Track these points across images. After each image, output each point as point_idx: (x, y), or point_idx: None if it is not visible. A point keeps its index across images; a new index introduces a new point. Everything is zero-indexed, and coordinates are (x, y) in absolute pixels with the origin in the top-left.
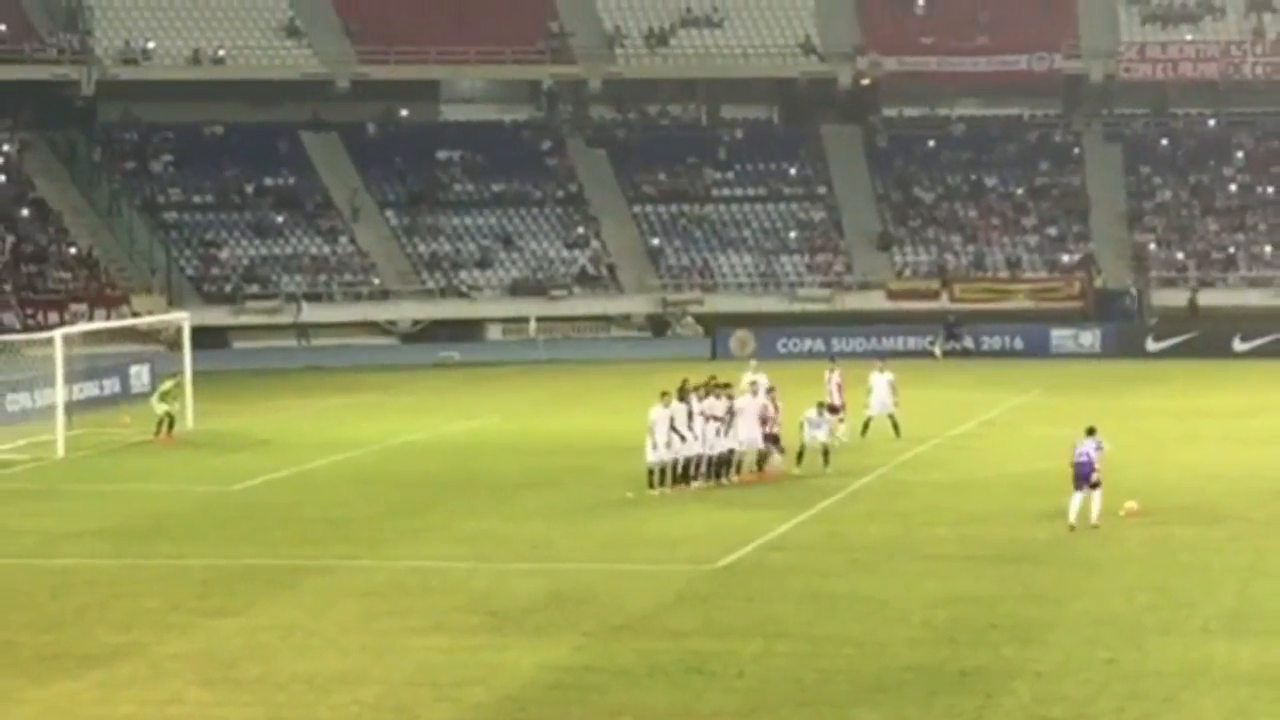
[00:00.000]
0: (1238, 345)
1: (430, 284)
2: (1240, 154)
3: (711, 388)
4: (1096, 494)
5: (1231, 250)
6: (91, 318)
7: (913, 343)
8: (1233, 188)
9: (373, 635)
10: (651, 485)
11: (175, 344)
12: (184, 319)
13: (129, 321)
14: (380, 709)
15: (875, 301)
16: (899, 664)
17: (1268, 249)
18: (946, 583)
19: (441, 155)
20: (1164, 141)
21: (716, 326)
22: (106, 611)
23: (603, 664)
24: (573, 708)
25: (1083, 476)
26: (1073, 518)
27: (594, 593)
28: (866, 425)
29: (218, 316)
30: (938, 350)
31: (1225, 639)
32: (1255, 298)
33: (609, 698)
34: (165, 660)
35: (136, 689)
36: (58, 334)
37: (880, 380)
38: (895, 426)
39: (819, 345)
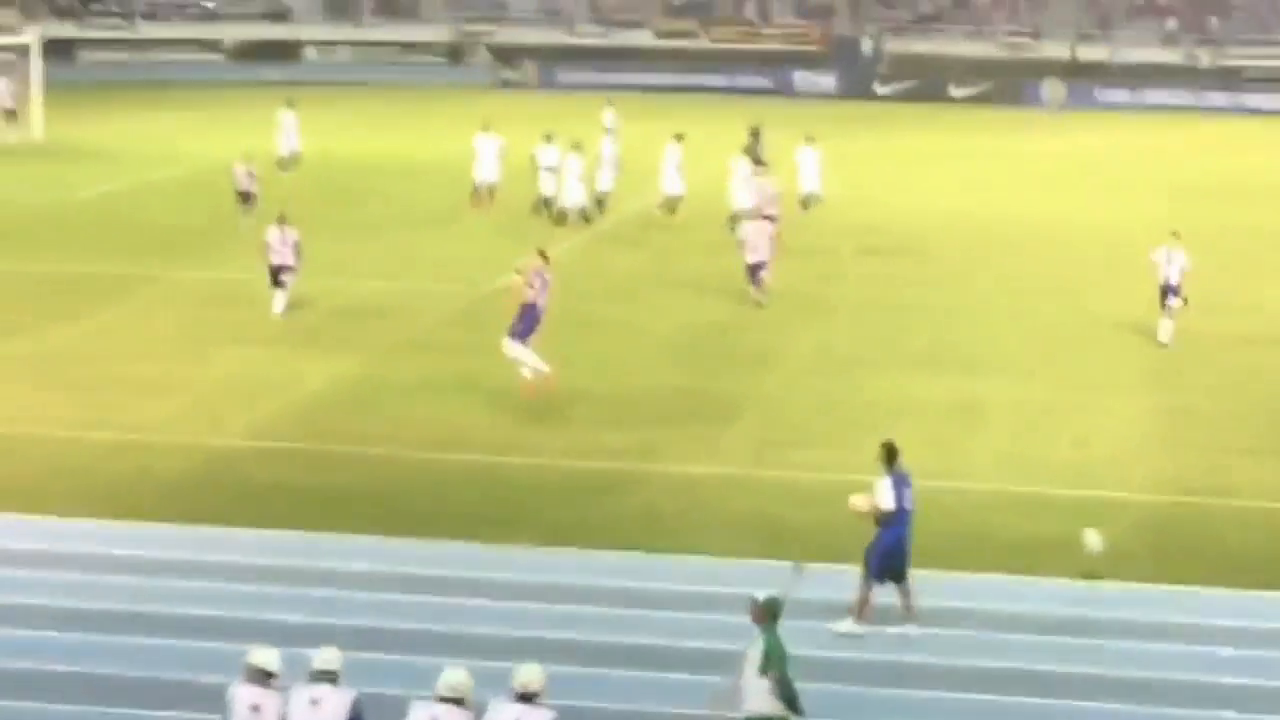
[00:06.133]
0: (954, 91)
1: (253, 8)
2: None
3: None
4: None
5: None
6: None
7: (672, 79)
8: None
9: (185, 344)
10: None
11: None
12: (34, 32)
13: None
14: (191, 414)
15: (645, 39)
16: (645, 385)
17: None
18: (691, 312)
19: None
20: None
21: (506, 56)
22: None
23: (383, 377)
24: (354, 417)
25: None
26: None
27: (381, 310)
28: None
29: (66, 30)
30: None
31: (925, 374)
32: (969, 49)
33: (386, 409)
34: (3, 362)
35: None
36: None
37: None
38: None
39: (594, 77)
